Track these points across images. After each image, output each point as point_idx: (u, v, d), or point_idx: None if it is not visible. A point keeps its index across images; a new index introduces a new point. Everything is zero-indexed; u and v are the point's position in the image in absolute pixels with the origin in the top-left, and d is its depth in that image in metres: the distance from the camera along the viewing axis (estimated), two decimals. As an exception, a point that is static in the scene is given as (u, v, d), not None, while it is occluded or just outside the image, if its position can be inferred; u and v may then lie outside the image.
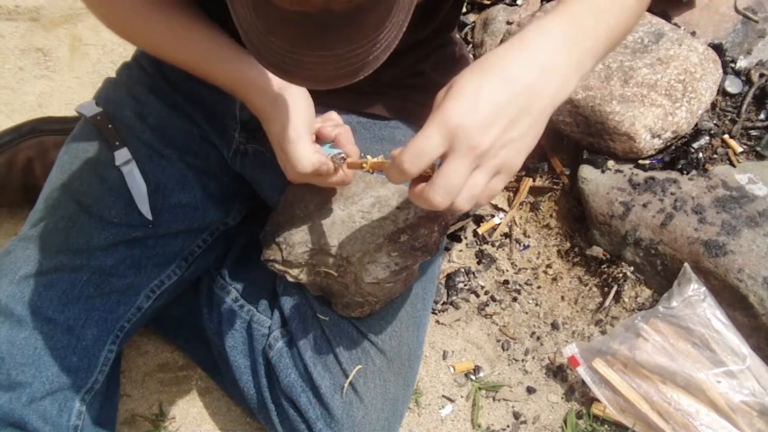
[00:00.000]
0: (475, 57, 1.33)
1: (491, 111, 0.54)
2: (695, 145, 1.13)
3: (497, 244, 1.20)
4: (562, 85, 0.57)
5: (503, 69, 0.56)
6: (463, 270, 1.16)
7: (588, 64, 0.60)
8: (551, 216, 1.21)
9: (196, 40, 0.77)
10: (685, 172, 1.11)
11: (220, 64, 0.77)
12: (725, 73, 1.21)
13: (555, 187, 1.21)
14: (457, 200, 0.56)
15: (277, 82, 0.74)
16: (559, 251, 1.18)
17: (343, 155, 0.75)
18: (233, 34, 0.76)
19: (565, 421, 1.01)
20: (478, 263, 1.18)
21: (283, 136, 0.72)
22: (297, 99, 0.73)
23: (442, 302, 1.13)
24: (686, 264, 1.01)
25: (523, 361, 1.08)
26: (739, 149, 1.15)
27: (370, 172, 0.69)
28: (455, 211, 0.58)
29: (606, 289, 1.11)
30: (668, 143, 1.14)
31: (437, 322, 1.11)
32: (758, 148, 1.15)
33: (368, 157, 0.69)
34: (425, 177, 0.58)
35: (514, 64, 0.56)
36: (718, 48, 1.22)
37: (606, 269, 1.11)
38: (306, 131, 0.73)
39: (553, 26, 0.58)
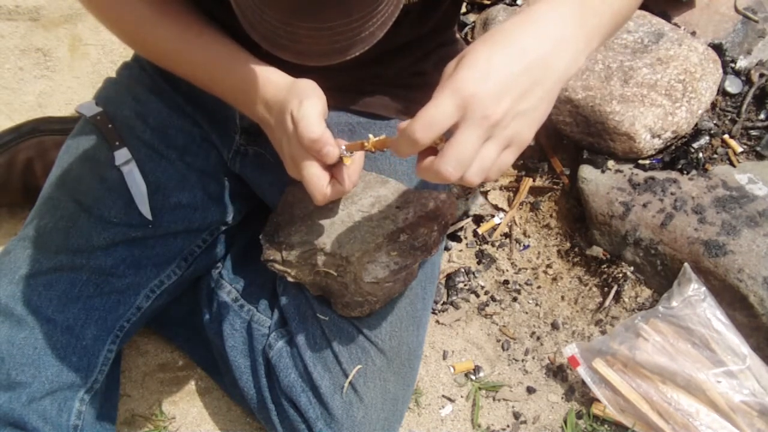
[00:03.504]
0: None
1: (504, 81, 0.53)
2: (695, 145, 1.13)
3: (497, 244, 1.20)
4: (573, 59, 0.57)
5: (516, 41, 0.55)
6: (463, 270, 1.16)
7: (595, 41, 0.60)
8: (551, 216, 1.21)
9: (208, 44, 0.76)
10: (685, 172, 1.11)
11: (233, 65, 0.75)
12: (725, 73, 1.20)
13: (555, 187, 1.21)
14: (468, 172, 0.55)
15: (290, 77, 0.73)
16: (559, 251, 1.18)
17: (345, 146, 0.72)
18: (239, 40, 0.76)
19: (565, 421, 1.01)
20: (478, 263, 1.18)
21: (298, 107, 0.68)
22: (311, 87, 0.71)
23: (442, 302, 1.13)
24: (686, 264, 1.01)
25: (523, 361, 1.08)
26: (739, 149, 1.15)
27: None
28: (465, 185, 0.57)
29: (606, 289, 1.11)
30: (668, 143, 1.14)
31: (437, 322, 1.11)
32: (758, 148, 1.15)
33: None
34: (432, 152, 0.57)
35: (526, 37, 0.55)
36: (718, 48, 1.22)
37: (606, 269, 1.11)
38: (321, 108, 0.69)
39: (562, 3, 0.58)
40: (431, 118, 0.53)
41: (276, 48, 0.54)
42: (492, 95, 0.53)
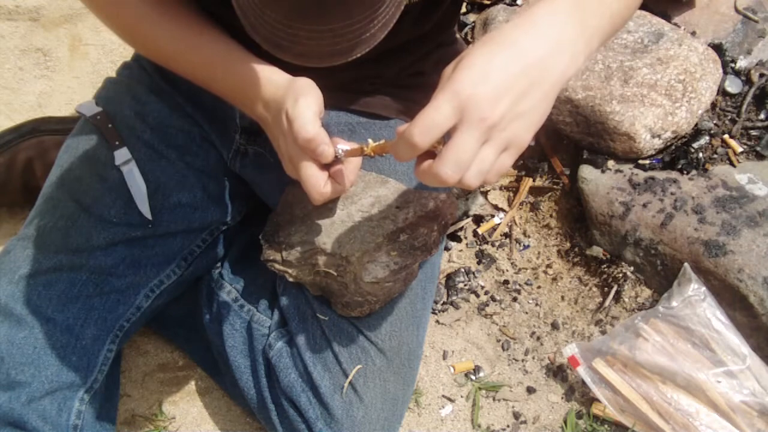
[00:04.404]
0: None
1: (502, 82, 0.53)
2: (695, 145, 1.13)
3: (497, 244, 1.20)
4: (572, 61, 0.57)
5: (514, 42, 0.55)
6: (463, 270, 1.16)
7: (594, 43, 0.60)
8: (551, 216, 1.21)
9: (208, 43, 0.76)
10: (685, 172, 1.11)
11: (233, 64, 0.75)
12: (725, 73, 1.20)
13: (555, 187, 1.21)
14: (467, 175, 0.54)
15: (289, 76, 0.73)
16: (559, 251, 1.18)
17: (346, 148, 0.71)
18: (240, 40, 0.76)
19: (565, 421, 1.01)
20: (478, 263, 1.18)
21: (293, 106, 0.68)
22: (308, 86, 0.71)
23: (442, 302, 1.13)
24: (686, 264, 1.01)
25: (523, 361, 1.08)
26: (739, 149, 1.15)
27: (371, 155, 0.67)
28: (464, 188, 0.57)
29: (606, 289, 1.11)
30: (668, 143, 1.14)
31: (437, 322, 1.11)
32: (758, 148, 1.15)
33: (369, 141, 0.68)
34: (431, 155, 0.57)
35: (525, 38, 0.55)
36: (718, 48, 1.22)
37: (606, 269, 1.11)
38: (317, 107, 0.68)
39: (560, 5, 0.58)
40: (430, 121, 0.53)
41: (277, 49, 0.54)
42: (489, 97, 0.53)
